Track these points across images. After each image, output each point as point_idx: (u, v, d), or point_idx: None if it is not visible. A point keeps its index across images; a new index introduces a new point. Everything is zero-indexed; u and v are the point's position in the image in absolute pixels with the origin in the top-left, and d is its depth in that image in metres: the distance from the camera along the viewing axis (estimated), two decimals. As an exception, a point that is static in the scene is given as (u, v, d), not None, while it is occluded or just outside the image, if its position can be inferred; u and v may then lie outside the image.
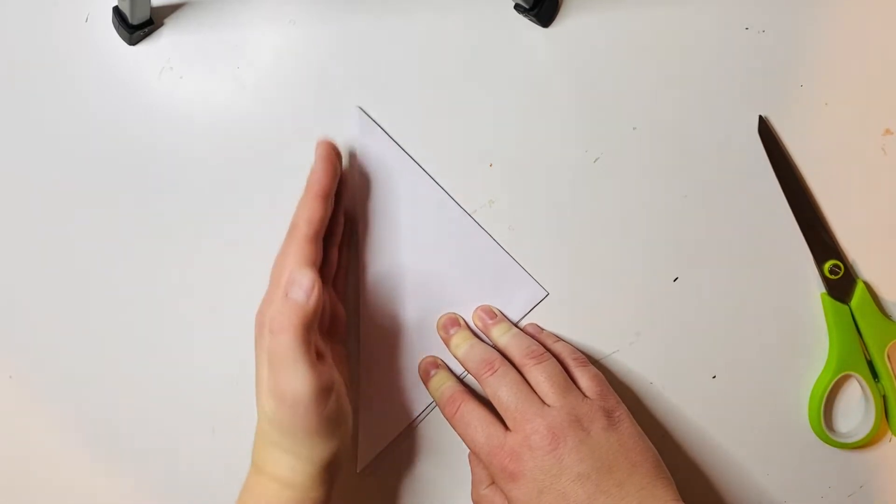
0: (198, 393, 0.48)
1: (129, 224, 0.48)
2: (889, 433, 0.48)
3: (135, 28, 0.46)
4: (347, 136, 0.47)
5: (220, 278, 0.48)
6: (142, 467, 0.49)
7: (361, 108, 0.46)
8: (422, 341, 0.47)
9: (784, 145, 0.47)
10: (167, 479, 0.49)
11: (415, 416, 0.47)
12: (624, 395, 0.48)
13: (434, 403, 0.47)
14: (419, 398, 0.47)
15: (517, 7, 0.46)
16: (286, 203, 0.47)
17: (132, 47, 0.47)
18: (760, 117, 0.46)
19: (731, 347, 0.48)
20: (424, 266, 0.47)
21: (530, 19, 0.46)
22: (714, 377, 0.48)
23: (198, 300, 0.48)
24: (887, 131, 0.47)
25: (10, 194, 0.48)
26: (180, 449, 0.49)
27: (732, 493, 0.48)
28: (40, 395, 0.49)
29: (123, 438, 0.49)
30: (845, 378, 0.47)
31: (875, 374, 0.47)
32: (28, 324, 0.49)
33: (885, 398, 0.47)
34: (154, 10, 0.46)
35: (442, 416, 0.45)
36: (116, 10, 0.46)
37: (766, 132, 0.46)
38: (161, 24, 0.47)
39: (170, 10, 0.47)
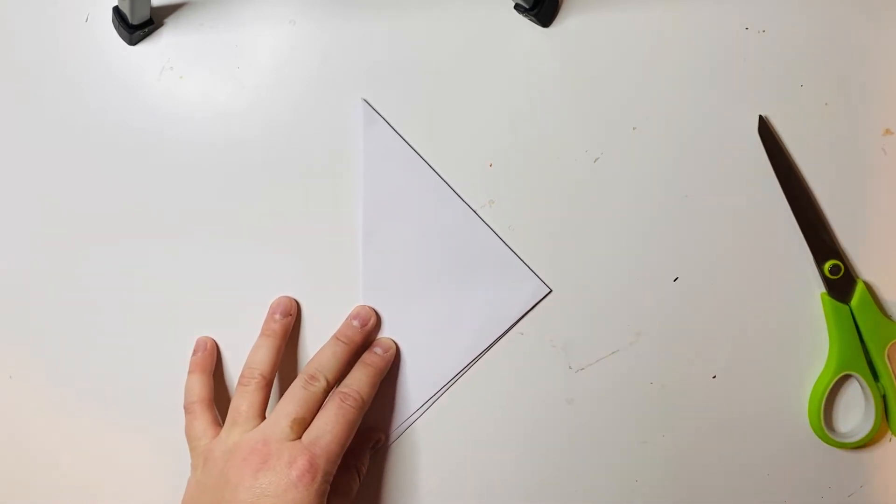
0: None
1: (130, 223, 0.48)
2: (889, 433, 0.48)
3: (135, 28, 0.46)
4: (348, 132, 0.47)
5: (221, 277, 0.48)
6: (142, 467, 0.49)
7: (366, 101, 0.46)
8: (421, 336, 0.47)
9: (784, 145, 0.47)
10: (167, 479, 0.49)
11: (411, 413, 0.48)
12: (624, 395, 0.48)
13: (430, 401, 0.47)
14: (416, 395, 0.47)
15: (517, 7, 0.46)
16: (285, 202, 0.48)
17: (132, 47, 0.47)
18: (760, 117, 0.46)
19: (731, 347, 0.48)
20: (426, 259, 0.47)
21: (530, 19, 0.46)
22: (714, 377, 0.48)
23: (198, 298, 0.48)
24: (887, 131, 0.47)
25: (9, 194, 0.48)
26: (181, 448, 0.48)
27: (732, 492, 0.48)
28: (40, 395, 0.49)
29: (123, 438, 0.49)
30: (845, 378, 0.47)
31: (875, 374, 0.47)
32: (28, 324, 0.49)
33: (885, 398, 0.47)
34: (154, 10, 0.47)
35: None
36: (116, 10, 0.46)
37: (766, 132, 0.46)
38: (161, 24, 0.47)
39: (170, 10, 0.47)
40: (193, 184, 0.47)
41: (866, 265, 0.47)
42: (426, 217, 0.47)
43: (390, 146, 0.47)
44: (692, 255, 0.47)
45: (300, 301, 0.48)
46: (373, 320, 0.47)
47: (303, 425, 0.42)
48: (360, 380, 0.44)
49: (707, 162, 0.47)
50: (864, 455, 0.48)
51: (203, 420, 0.44)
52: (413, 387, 0.47)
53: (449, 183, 0.47)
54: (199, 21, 0.47)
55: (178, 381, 0.48)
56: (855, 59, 0.46)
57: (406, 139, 0.47)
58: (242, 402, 0.43)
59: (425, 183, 0.47)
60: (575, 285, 0.47)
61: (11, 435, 0.49)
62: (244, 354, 0.47)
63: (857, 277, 0.47)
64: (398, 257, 0.47)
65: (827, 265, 0.46)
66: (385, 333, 0.47)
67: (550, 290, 0.47)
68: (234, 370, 0.48)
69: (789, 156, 0.47)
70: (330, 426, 0.42)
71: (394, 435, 0.48)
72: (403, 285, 0.47)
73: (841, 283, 0.46)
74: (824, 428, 0.47)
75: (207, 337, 0.47)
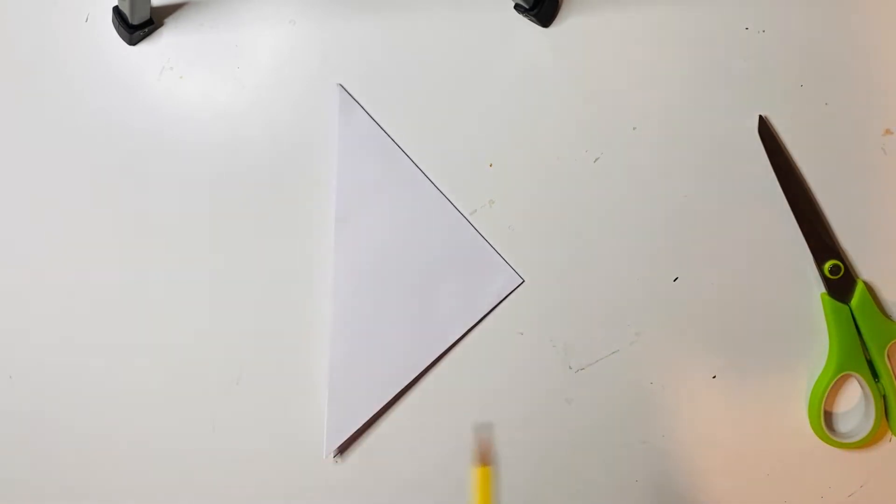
0: (198, 393, 0.48)
1: (129, 223, 0.48)
2: (889, 433, 0.48)
3: (135, 28, 0.46)
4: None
5: (220, 277, 0.48)
6: (142, 467, 0.49)
7: (342, 86, 0.46)
8: (393, 326, 0.47)
9: (784, 145, 0.47)
10: (168, 479, 0.49)
11: (384, 403, 0.48)
12: (624, 395, 0.48)
13: (403, 390, 0.47)
14: (389, 384, 0.47)
15: (517, 7, 0.46)
16: (285, 202, 0.48)
17: (132, 47, 0.47)
18: (760, 117, 0.46)
19: (731, 347, 0.48)
20: (399, 247, 0.47)
21: (530, 19, 0.46)
22: (714, 377, 0.48)
23: (198, 298, 0.48)
24: (887, 131, 0.47)
25: (9, 194, 0.48)
26: (180, 449, 0.49)
27: (733, 492, 0.48)
28: (40, 395, 0.49)
29: (123, 438, 0.49)
30: (845, 378, 0.47)
31: (875, 374, 0.47)
32: (28, 324, 0.49)
33: (885, 398, 0.47)
34: (154, 10, 0.47)
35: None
36: (116, 10, 0.46)
37: (766, 132, 0.46)
38: (161, 24, 0.47)
39: (170, 10, 0.47)
40: (193, 183, 0.47)
41: (866, 265, 0.47)
42: (399, 205, 0.47)
43: (366, 133, 0.47)
44: (692, 255, 0.47)
45: (301, 301, 0.48)
46: None
47: None
48: None
49: (707, 162, 0.47)
50: (864, 455, 0.48)
51: None
52: (381, 379, 0.47)
53: (449, 183, 0.47)
54: (199, 21, 0.47)
55: (174, 381, 0.48)
56: (855, 59, 0.46)
57: (406, 138, 0.47)
58: None
59: (400, 171, 0.47)
60: (574, 285, 0.47)
61: (12, 435, 0.49)
62: (241, 352, 0.47)
63: (857, 277, 0.47)
64: (370, 244, 0.47)
65: (827, 265, 0.46)
66: (358, 322, 0.47)
67: (523, 281, 0.47)
68: (230, 368, 0.48)
69: (789, 156, 0.47)
70: None
71: (361, 428, 0.48)
72: (372, 274, 0.47)
73: (841, 283, 0.46)
74: (824, 428, 0.47)
75: None
